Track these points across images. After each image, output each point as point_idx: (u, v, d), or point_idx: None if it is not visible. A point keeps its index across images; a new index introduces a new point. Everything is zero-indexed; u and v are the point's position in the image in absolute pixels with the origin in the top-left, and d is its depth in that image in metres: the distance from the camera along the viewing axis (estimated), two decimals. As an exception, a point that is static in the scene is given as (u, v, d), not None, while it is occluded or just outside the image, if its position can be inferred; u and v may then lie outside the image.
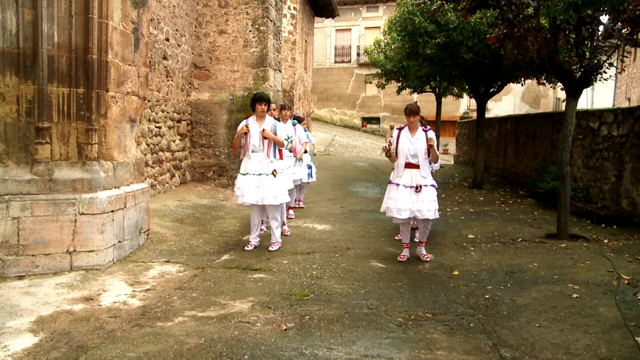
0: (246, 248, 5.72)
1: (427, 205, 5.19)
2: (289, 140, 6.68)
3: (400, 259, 5.41)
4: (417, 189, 5.19)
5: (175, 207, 7.68)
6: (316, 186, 10.68)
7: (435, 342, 3.40)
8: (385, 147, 5.31)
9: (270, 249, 5.70)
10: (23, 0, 4.45)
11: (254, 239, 5.80)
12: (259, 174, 5.52)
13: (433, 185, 5.31)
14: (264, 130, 5.49)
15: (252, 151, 5.54)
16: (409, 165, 5.27)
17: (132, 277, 4.60)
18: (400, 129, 5.40)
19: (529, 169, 11.15)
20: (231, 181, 9.65)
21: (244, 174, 5.57)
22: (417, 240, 5.72)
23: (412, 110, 5.26)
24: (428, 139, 5.21)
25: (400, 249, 5.68)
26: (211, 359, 3.07)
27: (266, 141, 5.56)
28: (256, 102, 5.60)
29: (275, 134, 5.59)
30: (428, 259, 5.45)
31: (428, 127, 5.44)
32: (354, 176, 12.72)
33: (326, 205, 8.89)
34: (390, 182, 5.45)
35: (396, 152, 5.33)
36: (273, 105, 6.52)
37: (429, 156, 5.24)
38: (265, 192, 5.48)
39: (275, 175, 5.54)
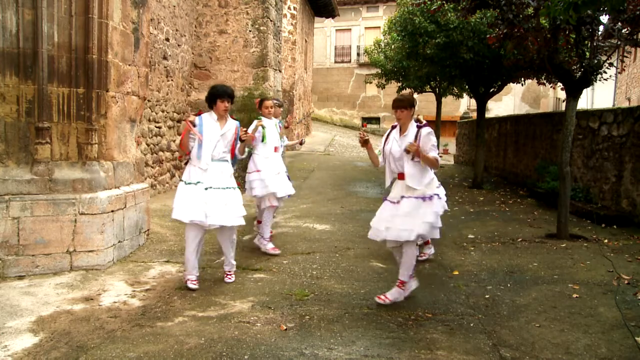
0: (191, 286, 4.27)
1: (405, 223, 3.88)
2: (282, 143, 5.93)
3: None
4: (398, 202, 4.01)
5: (175, 207, 7.67)
6: (316, 186, 10.67)
7: (435, 342, 3.40)
8: (361, 136, 4.10)
9: (227, 280, 4.50)
10: (23, 0, 4.45)
11: (193, 275, 4.33)
12: (225, 188, 4.29)
13: (425, 197, 3.96)
14: (246, 132, 4.48)
15: (212, 159, 4.24)
16: (400, 175, 4.02)
17: (132, 277, 4.60)
18: (393, 127, 4.18)
19: (528, 169, 11.14)
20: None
21: (194, 183, 4.22)
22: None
23: (395, 101, 4.02)
24: (418, 138, 3.90)
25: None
26: (211, 359, 3.07)
27: (229, 145, 4.39)
28: (217, 97, 4.25)
29: (237, 139, 4.44)
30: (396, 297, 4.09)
31: (424, 121, 4.11)
32: (354, 176, 12.70)
33: (326, 205, 8.88)
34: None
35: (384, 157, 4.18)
36: (269, 103, 5.62)
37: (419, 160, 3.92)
38: (231, 210, 4.26)
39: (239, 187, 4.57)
